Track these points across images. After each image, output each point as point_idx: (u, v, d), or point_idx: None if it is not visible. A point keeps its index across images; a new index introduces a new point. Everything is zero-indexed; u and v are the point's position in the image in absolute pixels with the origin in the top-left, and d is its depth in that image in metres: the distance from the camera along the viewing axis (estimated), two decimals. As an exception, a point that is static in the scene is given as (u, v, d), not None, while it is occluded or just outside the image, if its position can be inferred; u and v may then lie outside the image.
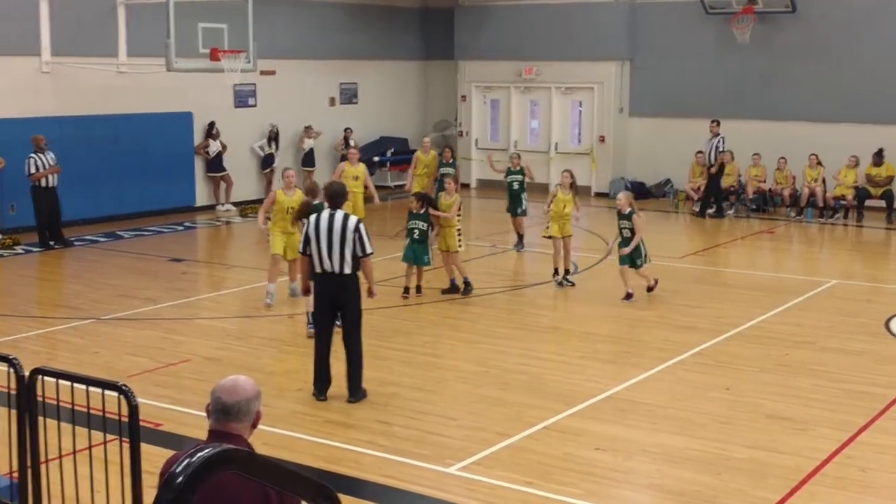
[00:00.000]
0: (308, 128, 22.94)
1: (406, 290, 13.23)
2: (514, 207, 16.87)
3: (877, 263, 17.10)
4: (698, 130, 21.49)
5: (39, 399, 5.81)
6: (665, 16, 23.26)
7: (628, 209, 12.92)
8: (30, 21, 18.04)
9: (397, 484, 7.46)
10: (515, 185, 16.83)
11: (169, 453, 4.40)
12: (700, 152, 21.33)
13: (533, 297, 13.73)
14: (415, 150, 17.95)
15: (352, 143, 22.98)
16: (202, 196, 21.38)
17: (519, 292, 13.80)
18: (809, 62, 21.60)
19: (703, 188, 21.20)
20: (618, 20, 23.56)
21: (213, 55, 17.77)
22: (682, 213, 21.71)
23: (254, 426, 3.77)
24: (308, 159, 23.00)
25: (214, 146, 21.19)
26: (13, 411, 6.09)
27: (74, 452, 5.63)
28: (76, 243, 17.34)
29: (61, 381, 5.79)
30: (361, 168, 16.44)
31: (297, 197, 12.42)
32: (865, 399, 9.34)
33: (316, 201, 11.21)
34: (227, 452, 2.85)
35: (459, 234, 13.58)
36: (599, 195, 23.49)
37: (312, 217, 9.27)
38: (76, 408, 5.43)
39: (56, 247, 16.96)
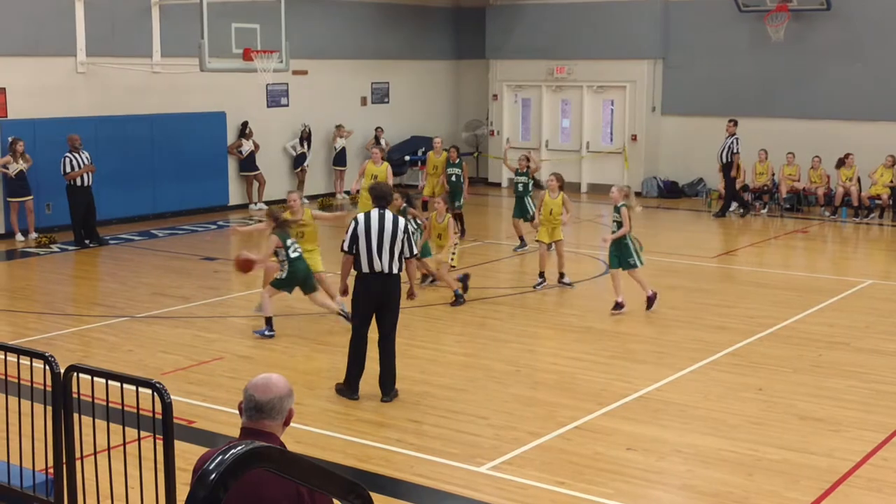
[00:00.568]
0: (339, 127, 23.02)
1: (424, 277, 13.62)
2: (517, 209, 16.50)
3: (912, 263, 16.93)
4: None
5: (74, 396, 5.88)
6: (698, 14, 23.12)
7: (621, 202, 12.56)
8: (65, 22, 18.23)
9: (428, 483, 7.46)
10: (520, 188, 16.47)
11: (202, 450, 4.43)
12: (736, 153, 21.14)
13: (564, 297, 13.69)
14: (446, 150, 17.86)
15: (383, 142, 23.03)
16: (235, 195, 21.52)
17: (549, 292, 13.76)
18: (844, 60, 21.40)
19: (722, 188, 21.03)
20: (650, 18, 23.45)
21: (246, 55, 17.90)
22: (715, 213, 21.55)
23: (286, 424, 3.78)
24: (339, 159, 23.11)
25: (247, 145, 21.32)
26: (49, 408, 6.17)
27: (109, 449, 5.68)
28: (111, 242, 17.49)
29: (96, 379, 5.84)
30: (384, 167, 16.27)
31: (307, 216, 12.23)
32: (900, 400, 9.25)
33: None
34: (259, 450, 2.87)
35: (454, 251, 13.67)
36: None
37: (361, 216, 9.20)
38: (111, 405, 5.48)
39: (91, 245, 17.12)
